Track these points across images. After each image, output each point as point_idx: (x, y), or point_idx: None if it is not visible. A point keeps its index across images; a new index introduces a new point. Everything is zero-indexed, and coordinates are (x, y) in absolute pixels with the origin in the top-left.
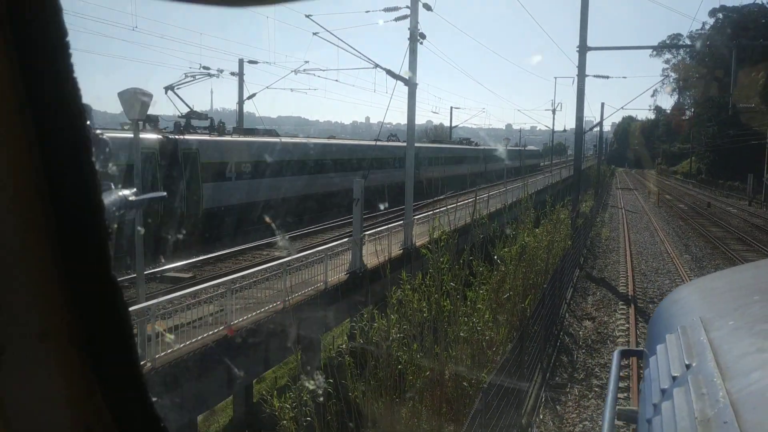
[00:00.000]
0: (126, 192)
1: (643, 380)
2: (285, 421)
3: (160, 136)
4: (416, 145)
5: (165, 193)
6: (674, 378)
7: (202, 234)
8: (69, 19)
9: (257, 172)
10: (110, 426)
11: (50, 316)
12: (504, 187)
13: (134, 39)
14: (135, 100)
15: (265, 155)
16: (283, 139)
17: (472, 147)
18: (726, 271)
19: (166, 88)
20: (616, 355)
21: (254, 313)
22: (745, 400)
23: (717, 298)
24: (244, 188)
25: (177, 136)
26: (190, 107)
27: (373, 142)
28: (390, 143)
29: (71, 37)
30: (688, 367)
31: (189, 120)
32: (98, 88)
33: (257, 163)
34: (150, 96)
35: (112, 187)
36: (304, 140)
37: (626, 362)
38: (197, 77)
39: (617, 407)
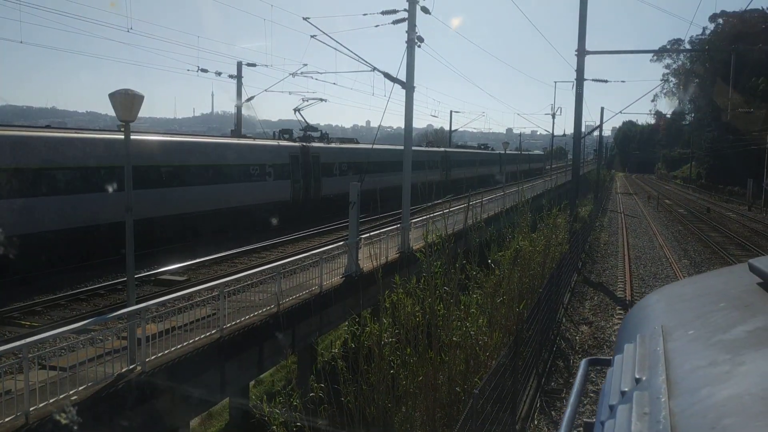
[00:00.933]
0: None
1: (601, 394)
2: (275, 427)
3: (301, 144)
4: (447, 150)
5: None
6: (623, 393)
7: (320, 211)
8: (64, 20)
9: (350, 169)
10: None
11: None
12: (503, 192)
13: (129, 40)
14: (126, 102)
15: (354, 157)
16: (362, 145)
17: (491, 152)
18: (697, 276)
19: (295, 109)
20: (583, 364)
21: (248, 317)
22: (686, 421)
23: (682, 305)
24: (345, 182)
25: (308, 144)
26: (308, 123)
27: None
28: (427, 149)
29: (66, 39)
30: (637, 381)
31: (307, 132)
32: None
33: (350, 164)
34: (141, 97)
35: None
36: (378, 147)
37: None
38: (311, 101)
39: (585, 420)
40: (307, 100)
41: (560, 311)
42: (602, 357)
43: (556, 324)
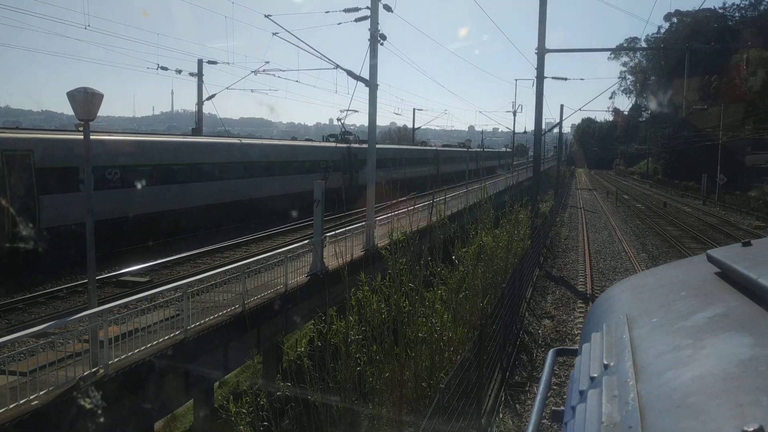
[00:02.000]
0: None
1: (570, 381)
2: (242, 426)
3: (347, 146)
4: (437, 148)
5: None
6: (592, 379)
7: (358, 196)
8: (18, 17)
9: (389, 163)
10: None
11: None
12: (466, 189)
13: (87, 38)
14: (85, 100)
15: (379, 155)
16: (385, 146)
17: (470, 150)
18: (658, 267)
19: (339, 119)
20: (550, 354)
21: (212, 317)
22: (654, 403)
23: (645, 295)
24: (383, 175)
25: (350, 145)
26: (345, 128)
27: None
28: (423, 148)
29: (20, 35)
30: (606, 367)
31: (344, 134)
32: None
33: (390, 159)
34: (101, 95)
35: None
36: (391, 146)
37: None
38: (349, 111)
39: (553, 408)
40: (345, 111)
41: (523, 306)
42: (569, 347)
43: (519, 318)
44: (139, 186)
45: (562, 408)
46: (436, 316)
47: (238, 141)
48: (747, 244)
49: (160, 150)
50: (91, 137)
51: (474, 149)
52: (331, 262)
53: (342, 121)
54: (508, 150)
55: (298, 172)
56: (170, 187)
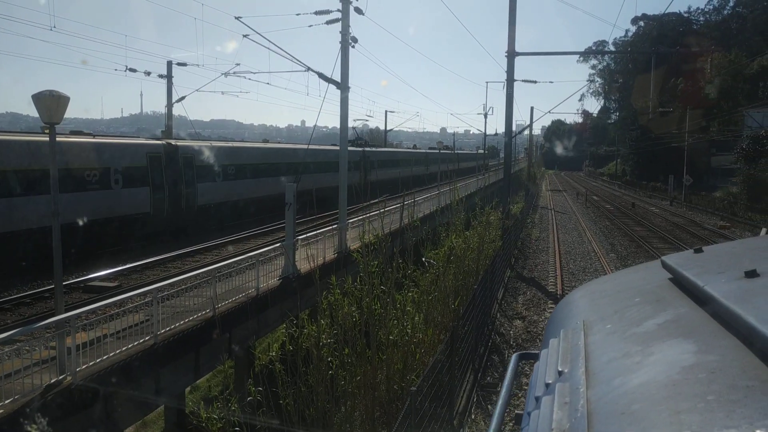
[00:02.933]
0: None
1: (529, 387)
2: None
3: (362, 149)
4: (425, 151)
5: None
6: (547, 385)
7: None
8: None
9: (385, 164)
10: None
11: None
12: (437, 190)
13: (53, 39)
14: (51, 103)
15: (387, 156)
16: (393, 149)
17: (452, 152)
18: (617, 273)
19: (353, 127)
20: (513, 358)
21: (183, 322)
22: (601, 409)
23: (603, 300)
24: (385, 173)
25: (364, 148)
26: (361, 137)
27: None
28: (415, 150)
29: None
30: (560, 373)
31: (357, 139)
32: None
33: (385, 161)
34: (67, 98)
35: None
36: (401, 150)
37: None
38: (368, 117)
39: (516, 411)
40: (366, 117)
41: (494, 307)
42: (531, 351)
43: (490, 319)
44: (245, 179)
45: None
46: (408, 318)
47: (298, 147)
48: (699, 251)
49: (256, 153)
50: (215, 143)
51: (457, 151)
52: (304, 265)
53: (355, 128)
54: (485, 152)
55: (332, 170)
56: (261, 179)
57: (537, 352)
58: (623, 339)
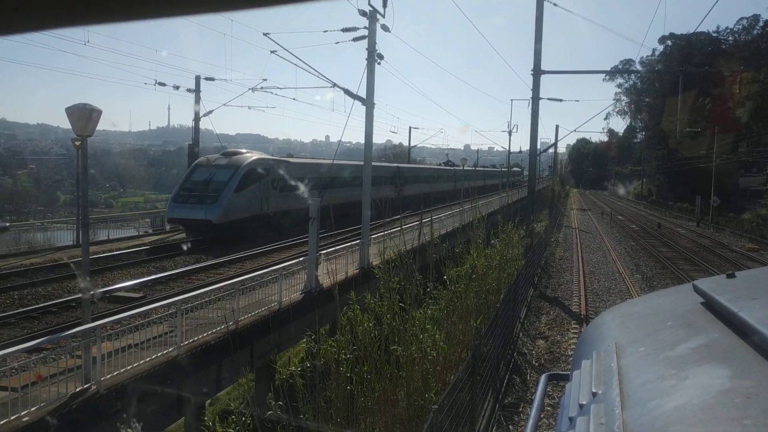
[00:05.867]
0: None
1: (560, 407)
2: None
3: (397, 166)
4: (457, 168)
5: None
6: (581, 406)
7: (403, 203)
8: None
9: (417, 179)
10: None
11: None
12: (460, 207)
13: (85, 53)
14: (83, 116)
15: (418, 172)
16: (424, 165)
17: (481, 169)
18: (647, 295)
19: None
20: (542, 379)
21: (205, 334)
22: (637, 430)
23: (634, 323)
24: (415, 187)
25: (398, 165)
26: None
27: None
28: (446, 167)
29: (20, 50)
30: (594, 395)
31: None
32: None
33: (416, 176)
34: (99, 112)
35: None
36: (430, 166)
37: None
38: (433, 134)
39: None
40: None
41: (517, 326)
42: (560, 372)
43: (512, 339)
44: (344, 188)
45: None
46: (428, 336)
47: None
48: (731, 276)
49: (351, 168)
50: (348, 163)
51: (485, 168)
52: (326, 279)
53: (413, 147)
54: (516, 170)
55: (382, 183)
56: (354, 188)
57: (566, 372)
58: (657, 362)
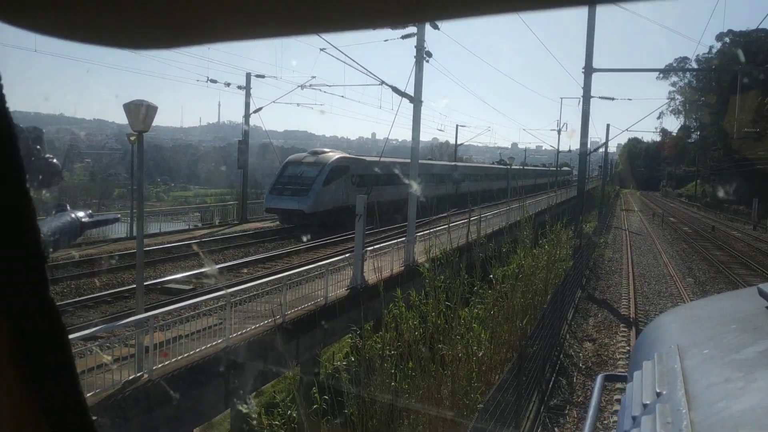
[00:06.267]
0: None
1: (621, 407)
2: None
3: (453, 163)
4: (509, 167)
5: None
6: (645, 406)
7: (459, 203)
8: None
9: (478, 178)
10: None
11: None
12: (507, 206)
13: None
14: (140, 112)
15: (475, 171)
16: (484, 165)
17: (535, 168)
18: (708, 298)
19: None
20: (599, 379)
21: (253, 327)
22: (706, 430)
23: (695, 326)
24: (477, 184)
25: (456, 163)
26: (501, 157)
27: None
28: (498, 166)
29: (77, 48)
30: (658, 395)
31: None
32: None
33: (477, 175)
34: (155, 108)
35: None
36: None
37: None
38: (480, 132)
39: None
40: (477, 134)
41: (564, 327)
42: (616, 373)
43: (559, 340)
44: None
45: None
46: (473, 336)
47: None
48: None
49: (440, 168)
50: (418, 162)
51: (535, 167)
52: (372, 276)
53: (459, 145)
54: (564, 168)
55: (442, 181)
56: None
57: (622, 373)
58: (722, 365)
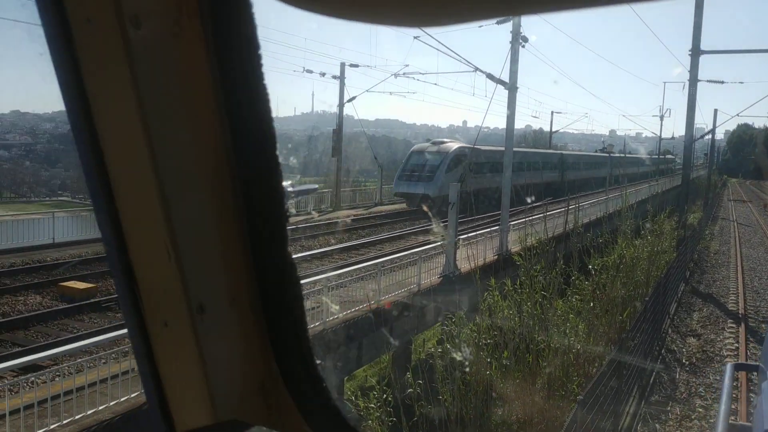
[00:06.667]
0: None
1: (760, 395)
2: (370, 421)
3: (559, 152)
4: (611, 155)
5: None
6: None
7: (564, 190)
8: None
9: (582, 166)
10: (279, 382)
11: (238, 285)
12: (606, 195)
13: None
14: None
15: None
16: (574, 152)
17: (637, 156)
18: None
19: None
20: (729, 368)
21: (348, 311)
22: None
23: None
24: (574, 173)
25: (561, 152)
26: (605, 145)
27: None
28: (597, 154)
29: None
30: None
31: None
32: None
33: (581, 163)
34: None
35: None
36: (576, 152)
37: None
38: (577, 119)
39: (729, 422)
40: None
41: (666, 321)
42: (748, 363)
43: (660, 334)
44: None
45: (740, 423)
46: (570, 327)
47: (549, 151)
48: None
49: (530, 155)
50: (526, 150)
51: (637, 156)
52: (464, 264)
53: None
54: (668, 156)
55: (548, 169)
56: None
57: (754, 363)
58: None
